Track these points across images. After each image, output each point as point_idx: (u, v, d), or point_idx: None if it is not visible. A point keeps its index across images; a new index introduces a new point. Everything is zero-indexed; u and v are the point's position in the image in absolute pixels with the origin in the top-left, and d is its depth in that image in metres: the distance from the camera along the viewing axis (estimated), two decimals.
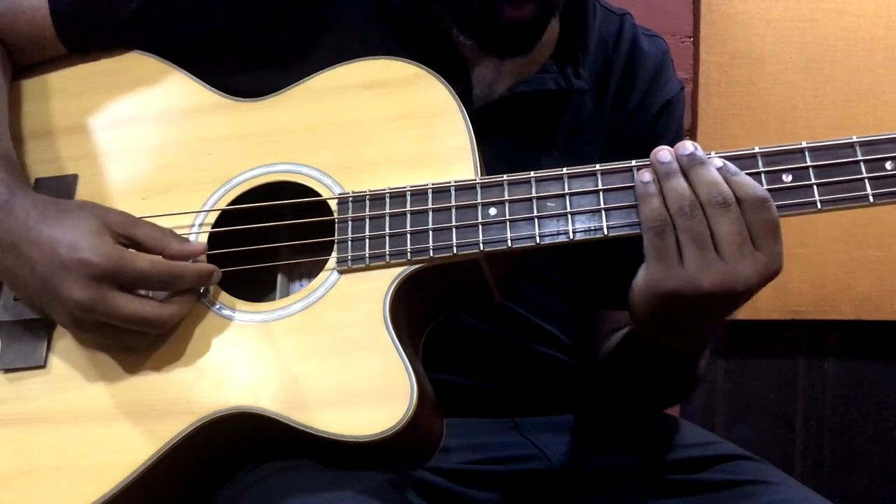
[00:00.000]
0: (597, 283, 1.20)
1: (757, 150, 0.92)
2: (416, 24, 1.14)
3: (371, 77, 1.06)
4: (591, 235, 0.94)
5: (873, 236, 2.08)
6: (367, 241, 0.98)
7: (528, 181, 0.97)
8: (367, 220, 0.99)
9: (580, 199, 0.95)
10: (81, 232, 0.95)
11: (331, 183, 1.02)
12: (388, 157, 1.02)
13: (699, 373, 1.11)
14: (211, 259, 1.01)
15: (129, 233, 0.97)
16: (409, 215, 0.98)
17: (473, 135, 1.01)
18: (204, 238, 1.02)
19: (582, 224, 0.94)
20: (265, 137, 1.07)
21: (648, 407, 1.19)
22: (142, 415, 0.95)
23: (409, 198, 0.99)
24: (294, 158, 1.04)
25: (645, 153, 0.93)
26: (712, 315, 0.94)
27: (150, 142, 1.10)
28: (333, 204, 1.01)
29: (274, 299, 1.06)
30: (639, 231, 0.91)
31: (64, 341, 1.01)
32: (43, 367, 1.00)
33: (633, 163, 0.94)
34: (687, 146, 0.89)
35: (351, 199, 1.00)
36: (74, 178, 1.09)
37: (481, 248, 0.96)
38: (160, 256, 0.97)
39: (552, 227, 0.95)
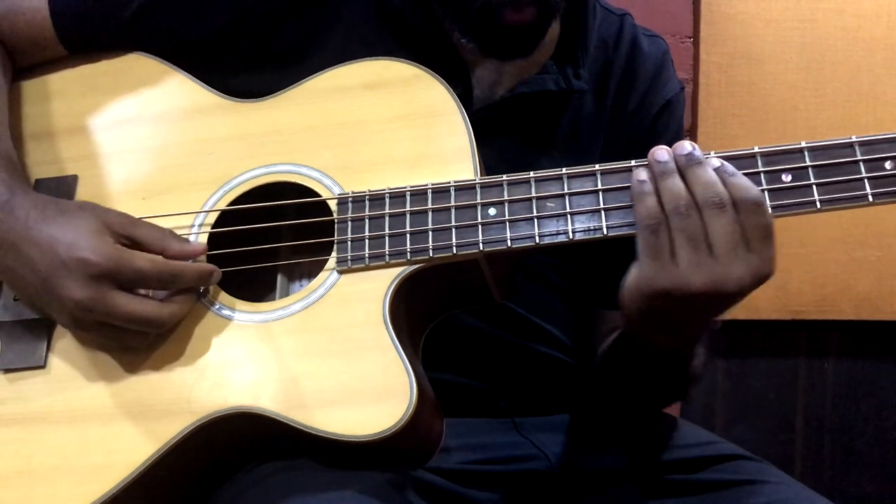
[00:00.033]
0: (596, 282, 1.20)
1: (756, 149, 0.92)
2: (415, 26, 1.14)
3: (371, 78, 1.06)
4: (591, 235, 0.94)
5: (873, 236, 2.08)
6: (367, 241, 0.98)
7: (527, 181, 0.97)
8: (367, 221, 0.99)
9: (580, 199, 0.95)
10: (81, 232, 0.95)
11: (330, 183, 1.02)
12: (388, 157, 1.02)
13: (694, 371, 1.11)
14: (211, 259, 1.01)
15: (129, 233, 0.97)
16: (408, 215, 0.98)
17: (473, 135, 1.01)
18: (204, 238, 1.03)
19: (581, 224, 0.94)
20: (265, 138, 1.07)
21: (645, 406, 1.19)
22: (142, 415, 0.95)
23: (408, 198, 0.99)
24: (294, 159, 1.05)
25: (645, 153, 0.93)
26: (702, 315, 0.94)
27: (150, 142, 1.10)
28: (333, 204, 1.01)
29: (274, 299, 1.06)
30: None
31: (64, 341, 1.01)
32: (43, 367, 1.00)
33: (633, 163, 0.94)
34: (685, 146, 0.89)
35: (350, 199, 1.00)
36: (74, 178, 1.09)
37: (481, 248, 0.96)
38: (160, 256, 0.97)
39: (552, 226, 0.95)
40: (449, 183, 0.98)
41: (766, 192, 0.91)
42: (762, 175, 0.91)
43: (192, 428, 0.93)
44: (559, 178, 0.96)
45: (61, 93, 1.15)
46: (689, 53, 2.08)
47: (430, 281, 0.99)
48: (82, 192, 1.08)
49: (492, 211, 0.97)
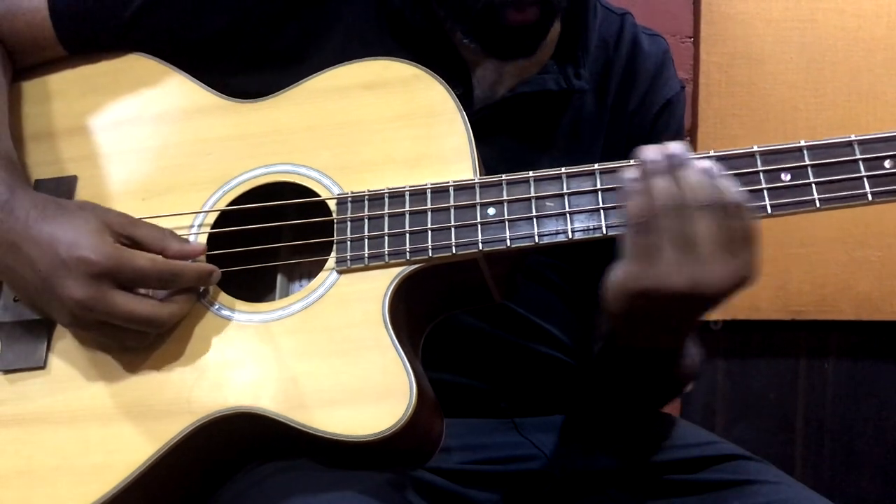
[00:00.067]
0: (596, 282, 1.19)
1: (755, 148, 0.92)
2: (416, 26, 1.14)
3: (370, 78, 1.06)
4: (590, 234, 0.94)
5: (873, 236, 2.08)
6: (366, 241, 0.98)
7: (526, 181, 0.97)
8: (366, 221, 0.99)
9: (579, 198, 0.95)
10: (82, 231, 0.95)
11: (330, 183, 1.02)
12: (387, 157, 1.02)
13: (685, 371, 1.11)
14: (210, 259, 1.01)
15: (128, 232, 0.98)
16: (407, 215, 0.98)
17: (472, 135, 1.01)
18: (203, 238, 1.03)
19: (581, 223, 0.95)
20: (264, 138, 1.07)
21: (639, 405, 1.19)
22: (142, 415, 0.95)
23: (407, 198, 0.99)
24: (293, 159, 1.05)
25: None
26: (683, 315, 0.94)
27: (150, 143, 1.10)
28: (332, 204, 1.01)
29: (274, 299, 1.06)
30: None
31: (64, 342, 1.01)
32: (43, 367, 1.00)
33: (632, 162, 0.94)
34: (674, 146, 0.89)
35: (350, 199, 1.01)
36: (74, 179, 1.09)
37: (480, 248, 0.96)
38: (160, 256, 0.97)
39: (551, 226, 0.95)
40: (448, 183, 0.98)
41: (765, 192, 0.91)
42: (761, 174, 0.91)
43: (192, 428, 0.93)
44: (558, 177, 0.96)
45: (61, 93, 1.15)
46: (689, 53, 2.08)
47: (430, 281, 0.99)
48: (82, 193, 1.08)
49: (491, 211, 0.97)
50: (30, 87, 1.15)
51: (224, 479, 0.97)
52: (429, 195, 0.98)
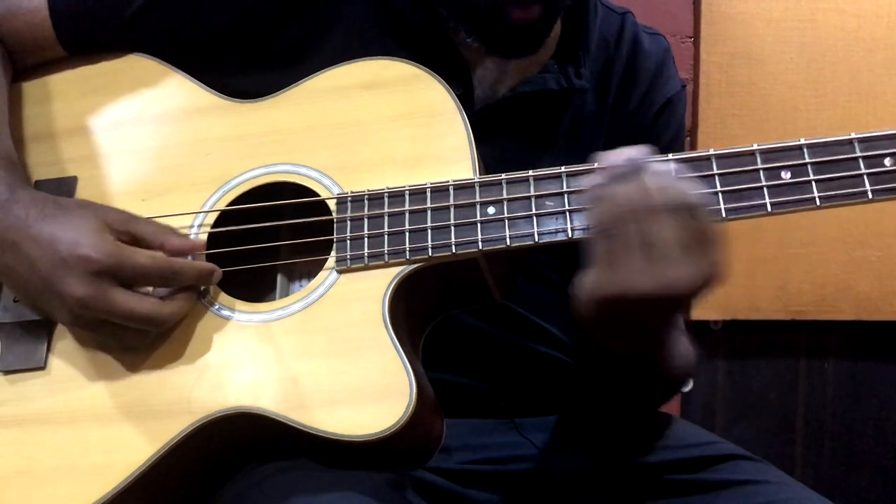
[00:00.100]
0: None
1: (755, 147, 0.92)
2: (416, 26, 1.14)
3: (370, 77, 1.06)
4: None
5: (873, 236, 2.08)
6: (366, 240, 0.98)
7: (526, 180, 0.97)
8: (366, 220, 0.99)
9: (579, 197, 0.95)
10: (82, 229, 0.95)
11: (330, 183, 1.02)
12: (387, 157, 1.02)
13: (675, 372, 1.10)
14: (210, 259, 1.01)
15: (128, 229, 0.98)
16: (407, 215, 0.98)
17: (472, 135, 1.01)
18: (203, 238, 1.02)
19: (581, 222, 0.94)
20: (264, 138, 1.07)
21: (634, 406, 1.18)
22: (142, 415, 0.95)
23: (407, 197, 0.99)
24: (293, 159, 1.05)
25: None
26: (655, 318, 0.93)
27: (150, 143, 1.10)
28: (332, 204, 1.01)
29: (274, 299, 1.06)
30: None
31: (64, 342, 1.01)
32: (43, 368, 1.00)
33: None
34: (636, 150, 0.89)
35: (349, 198, 1.00)
36: (74, 180, 1.09)
37: (480, 247, 0.96)
38: (160, 253, 0.97)
39: (551, 225, 0.95)
40: (448, 182, 0.98)
41: (765, 190, 0.90)
42: (761, 172, 0.91)
43: (193, 428, 0.93)
44: (558, 176, 0.96)
45: (61, 94, 1.14)
46: (689, 53, 2.08)
47: (430, 280, 0.98)
48: (82, 194, 1.08)
49: (491, 210, 0.97)
50: (30, 88, 1.15)
51: (224, 479, 0.97)
52: (428, 194, 0.98)
